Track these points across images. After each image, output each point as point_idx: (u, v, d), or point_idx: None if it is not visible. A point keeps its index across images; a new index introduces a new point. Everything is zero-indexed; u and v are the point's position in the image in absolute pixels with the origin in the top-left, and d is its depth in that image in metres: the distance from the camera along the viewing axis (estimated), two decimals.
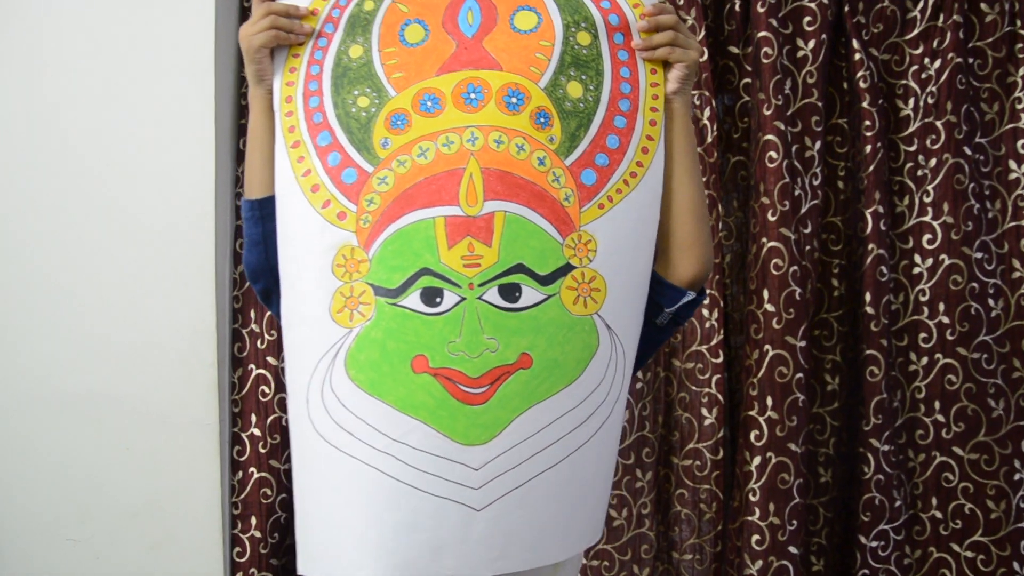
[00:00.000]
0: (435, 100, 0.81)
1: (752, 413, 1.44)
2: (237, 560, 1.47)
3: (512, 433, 0.75)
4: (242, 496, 1.47)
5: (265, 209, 0.85)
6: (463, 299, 0.76)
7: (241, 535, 1.47)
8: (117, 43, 1.42)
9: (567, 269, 0.78)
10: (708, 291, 1.44)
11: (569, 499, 0.80)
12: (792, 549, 1.44)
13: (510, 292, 0.77)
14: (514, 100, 0.81)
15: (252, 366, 1.46)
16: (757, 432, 1.43)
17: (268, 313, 1.45)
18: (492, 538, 0.76)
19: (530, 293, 0.77)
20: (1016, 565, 1.46)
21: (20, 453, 1.42)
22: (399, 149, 0.79)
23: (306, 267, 0.80)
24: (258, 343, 1.46)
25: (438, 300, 0.75)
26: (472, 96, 0.81)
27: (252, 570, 1.46)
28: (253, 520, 1.46)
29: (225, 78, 1.45)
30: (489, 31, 0.84)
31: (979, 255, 1.48)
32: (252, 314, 1.47)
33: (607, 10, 0.86)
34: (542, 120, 0.81)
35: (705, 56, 1.47)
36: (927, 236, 1.49)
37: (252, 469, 1.46)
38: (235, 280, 1.48)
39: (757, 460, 1.43)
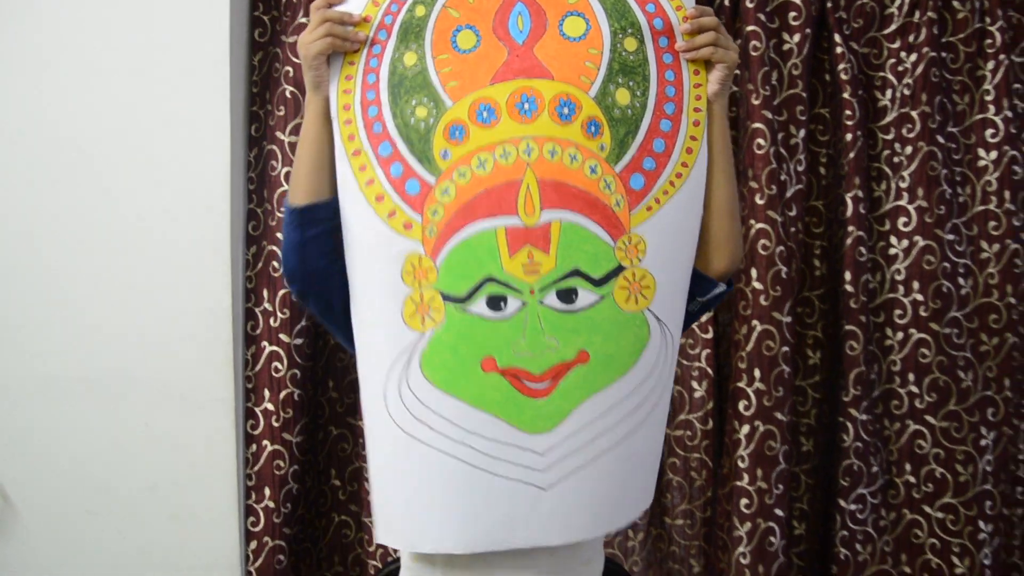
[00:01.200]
0: (491, 111, 0.84)
1: (741, 384, 1.53)
2: (251, 529, 1.53)
3: (573, 421, 0.83)
4: (256, 468, 1.52)
5: (306, 216, 0.88)
6: (525, 303, 0.82)
7: (255, 505, 1.52)
8: (132, 27, 1.46)
9: (619, 270, 0.84)
10: None
11: (624, 475, 0.87)
12: (778, 511, 1.53)
13: (567, 295, 0.83)
14: (566, 111, 0.84)
15: (265, 343, 1.52)
16: (746, 402, 1.52)
17: (281, 292, 1.51)
18: (558, 512, 0.83)
19: (586, 295, 0.83)
20: (981, 523, 1.56)
21: (45, 431, 1.47)
22: (459, 160, 0.83)
23: (375, 273, 0.85)
24: (271, 321, 1.52)
25: (502, 305, 0.82)
26: (526, 107, 0.84)
27: (266, 539, 1.52)
28: (267, 491, 1.52)
29: (239, 64, 1.50)
30: (539, 37, 0.86)
31: (950, 237, 1.58)
32: (265, 293, 1.52)
33: (652, 14, 0.89)
34: (593, 129, 0.84)
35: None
36: (903, 219, 1.58)
37: (265, 442, 1.52)
38: (248, 261, 1.53)
39: (746, 429, 1.52)
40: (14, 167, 1.44)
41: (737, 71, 1.55)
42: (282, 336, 1.51)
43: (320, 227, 0.89)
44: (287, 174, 1.49)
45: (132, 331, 1.47)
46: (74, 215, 1.45)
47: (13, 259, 1.46)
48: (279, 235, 1.50)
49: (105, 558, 1.51)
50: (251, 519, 1.53)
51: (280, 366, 1.51)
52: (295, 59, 1.48)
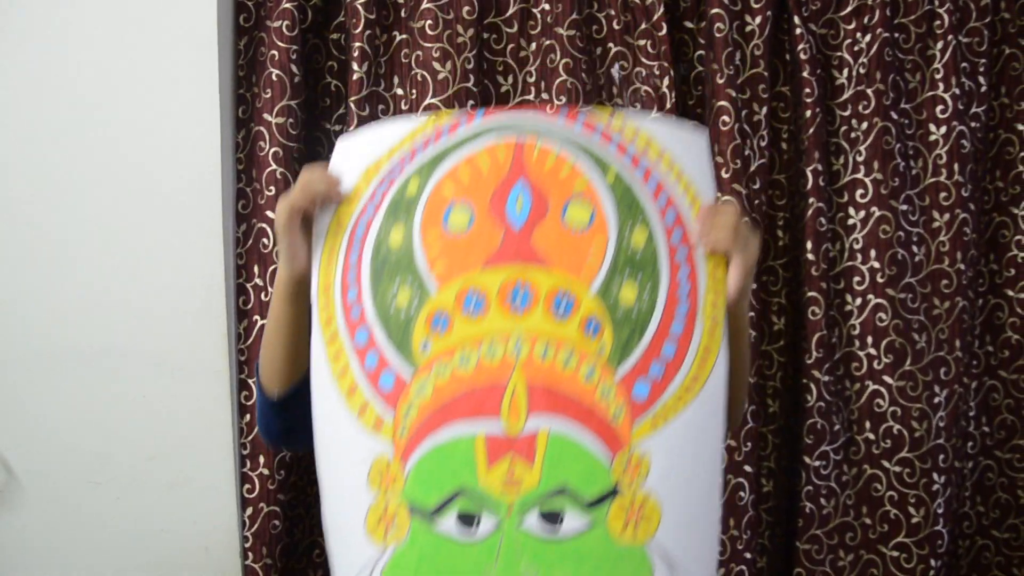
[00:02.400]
0: (479, 300, 0.76)
1: None
2: (247, 496, 1.59)
3: None
4: (250, 437, 1.58)
5: (288, 403, 0.86)
6: (500, 523, 0.72)
7: (250, 473, 1.58)
8: (120, 14, 1.50)
9: (615, 493, 0.73)
10: None
11: None
12: (747, 468, 1.62)
13: (552, 518, 0.72)
14: (563, 306, 0.76)
15: (256, 317, 1.58)
16: None
17: (271, 268, 1.56)
18: None
19: (573, 519, 0.72)
20: (935, 475, 1.66)
21: (45, 404, 1.51)
22: (440, 354, 0.75)
23: (342, 474, 0.78)
24: (262, 296, 1.57)
25: (475, 524, 0.72)
26: (519, 299, 0.76)
27: (261, 504, 1.58)
28: (261, 459, 1.58)
29: (226, 49, 1.54)
30: (539, 222, 0.78)
31: (904, 207, 1.67)
32: (255, 269, 1.58)
33: (664, 207, 0.80)
34: (592, 329, 0.76)
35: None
36: (860, 191, 1.67)
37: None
38: (238, 239, 1.59)
39: None
40: (4, 144, 1.48)
41: (702, 51, 1.63)
42: None
43: (302, 409, 0.83)
44: (274, 153, 1.55)
45: (128, 306, 1.51)
46: (70, 194, 1.49)
47: (8, 236, 1.49)
48: (269, 212, 1.56)
49: (107, 526, 1.56)
50: (247, 486, 1.59)
51: None
52: (280, 43, 1.54)
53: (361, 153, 0.84)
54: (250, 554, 1.58)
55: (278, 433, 0.92)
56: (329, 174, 0.82)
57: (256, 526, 1.58)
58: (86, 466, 1.54)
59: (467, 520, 0.72)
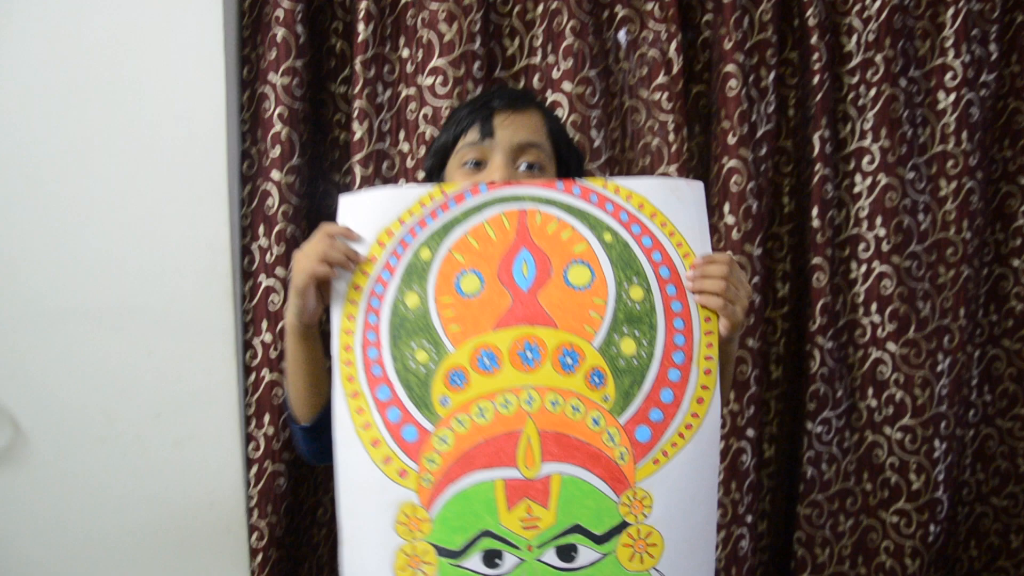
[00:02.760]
0: (492, 358, 0.83)
1: None
2: (252, 455, 1.60)
3: None
4: (255, 397, 1.60)
5: (317, 427, 0.92)
6: (522, 560, 0.80)
7: (255, 432, 1.60)
8: None
9: (623, 527, 0.81)
10: None
11: None
12: (750, 432, 1.63)
13: (567, 552, 0.80)
14: (569, 360, 0.83)
15: (262, 277, 1.58)
16: None
17: (276, 228, 1.57)
18: None
19: (586, 552, 0.80)
20: (936, 442, 1.67)
21: (52, 362, 1.52)
22: (458, 408, 0.82)
23: (367, 521, 0.83)
24: (266, 257, 1.58)
25: (498, 561, 0.80)
26: (529, 355, 0.83)
27: (266, 463, 1.59)
28: (266, 418, 1.59)
29: (232, 3, 1.54)
30: (544, 284, 0.86)
31: (911, 175, 1.67)
32: (260, 230, 1.58)
33: (658, 263, 0.88)
34: (596, 380, 0.83)
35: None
36: (866, 158, 1.66)
37: (264, 372, 1.59)
38: (243, 199, 1.59)
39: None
40: (13, 101, 1.48)
41: (710, 15, 1.62)
42: (278, 270, 1.58)
43: (329, 432, 0.88)
44: (279, 114, 1.55)
45: (134, 266, 1.52)
46: (76, 156, 1.49)
47: (16, 197, 1.50)
48: (273, 174, 1.56)
49: (113, 483, 1.57)
50: (251, 445, 1.60)
51: (276, 299, 1.58)
52: (285, 3, 1.53)
53: (371, 217, 0.90)
54: (255, 512, 1.60)
55: (313, 454, 0.99)
56: (347, 245, 0.87)
57: (261, 484, 1.59)
58: (93, 423, 1.55)
59: (491, 558, 0.80)
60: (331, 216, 1.64)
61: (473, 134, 1.01)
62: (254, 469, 1.60)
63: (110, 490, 1.58)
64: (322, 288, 0.89)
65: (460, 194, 0.90)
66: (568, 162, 1.06)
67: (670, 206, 0.90)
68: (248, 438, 1.60)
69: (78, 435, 1.56)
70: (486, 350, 0.84)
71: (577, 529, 0.81)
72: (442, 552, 0.81)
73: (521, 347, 0.84)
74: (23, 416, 1.55)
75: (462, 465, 0.81)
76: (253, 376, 1.60)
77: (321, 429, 0.92)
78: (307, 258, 0.87)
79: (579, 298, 0.86)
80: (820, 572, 1.74)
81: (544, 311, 0.85)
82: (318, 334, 0.95)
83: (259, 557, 1.60)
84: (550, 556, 0.80)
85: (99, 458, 1.56)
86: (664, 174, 1.61)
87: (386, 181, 1.61)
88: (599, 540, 0.81)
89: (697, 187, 0.91)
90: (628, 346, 0.85)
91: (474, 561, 0.80)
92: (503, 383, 0.83)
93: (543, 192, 0.90)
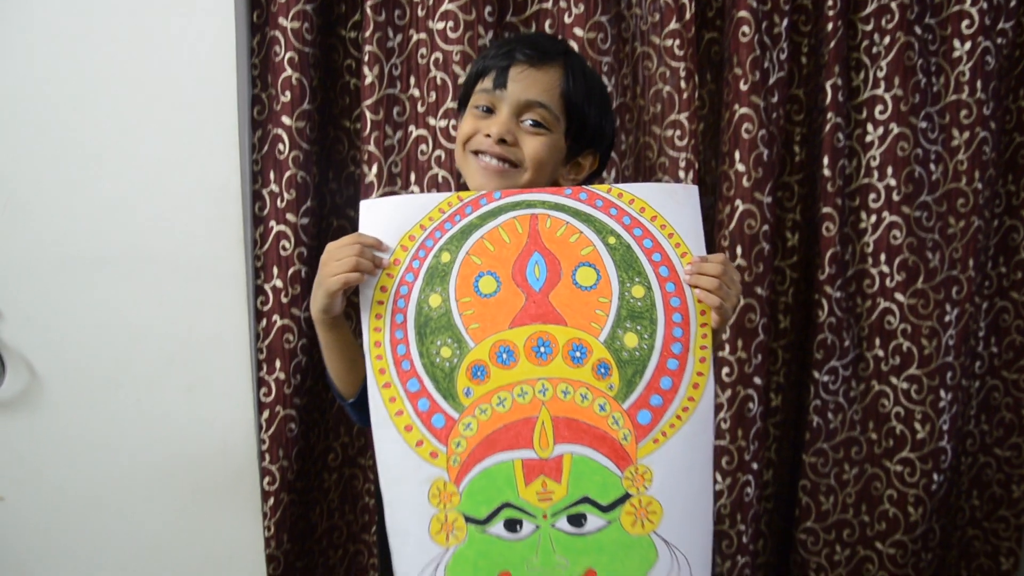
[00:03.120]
0: (510, 353, 0.93)
1: None
2: (264, 400, 1.62)
3: None
4: (266, 342, 1.61)
5: (364, 400, 0.98)
6: (538, 527, 0.91)
7: (267, 377, 1.61)
8: None
9: (626, 498, 0.92)
10: (685, 155, 1.61)
11: None
12: (757, 380, 1.64)
13: (577, 520, 0.91)
14: (578, 354, 0.93)
15: (272, 223, 1.59)
16: None
17: (287, 174, 1.57)
18: None
19: (594, 520, 0.92)
20: (942, 392, 1.68)
21: (66, 307, 1.53)
22: (480, 398, 0.93)
23: (405, 492, 0.94)
24: (278, 202, 1.58)
25: (518, 528, 0.91)
26: (542, 350, 0.93)
27: (277, 408, 1.61)
28: (277, 363, 1.61)
29: None
30: (554, 285, 0.96)
31: (923, 125, 1.66)
32: (271, 175, 1.58)
33: (658, 263, 0.97)
34: (602, 371, 0.93)
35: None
36: (879, 107, 1.65)
37: (275, 317, 1.60)
38: (253, 145, 1.59)
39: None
40: (23, 47, 1.47)
41: None
42: (289, 216, 1.58)
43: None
44: (289, 59, 1.54)
45: (146, 212, 1.52)
46: (89, 105, 1.49)
47: (29, 144, 1.50)
48: (284, 119, 1.55)
49: (127, 427, 1.59)
50: (263, 390, 1.62)
51: (287, 245, 1.59)
52: None
53: (393, 222, 0.99)
54: (266, 456, 1.62)
55: (366, 423, 1.04)
56: (375, 254, 0.96)
57: (272, 429, 1.61)
58: (107, 369, 1.57)
59: (512, 525, 0.92)
60: (339, 162, 1.65)
61: (488, 81, 1.05)
62: (265, 414, 1.61)
63: (124, 435, 1.60)
64: (347, 289, 0.97)
65: (476, 200, 1.00)
66: (581, 125, 1.07)
67: (668, 209, 1.00)
68: (259, 383, 1.62)
69: (92, 380, 1.58)
70: (504, 346, 0.94)
71: (586, 500, 0.91)
72: (470, 520, 0.92)
73: (535, 343, 0.93)
74: (38, 361, 1.57)
75: (485, 448, 0.92)
76: (264, 321, 1.61)
77: (366, 401, 0.99)
78: (340, 264, 0.94)
79: (586, 297, 0.95)
80: (824, 519, 1.77)
81: (555, 310, 0.94)
82: (344, 320, 1.04)
83: (271, 500, 1.63)
84: (562, 523, 0.91)
85: (113, 403, 1.58)
86: (675, 121, 1.60)
87: (396, 126, 1.60)
88: (605, 509, 0.92)
89: (692, 191, 1.01)
90: (631, 340, 0.95)
91: (497, 528, 0.92)
92: (520, 375, 0.93)
93: (552, 198, 1.00)
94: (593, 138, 1.09)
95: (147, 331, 1.57)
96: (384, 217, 0.99)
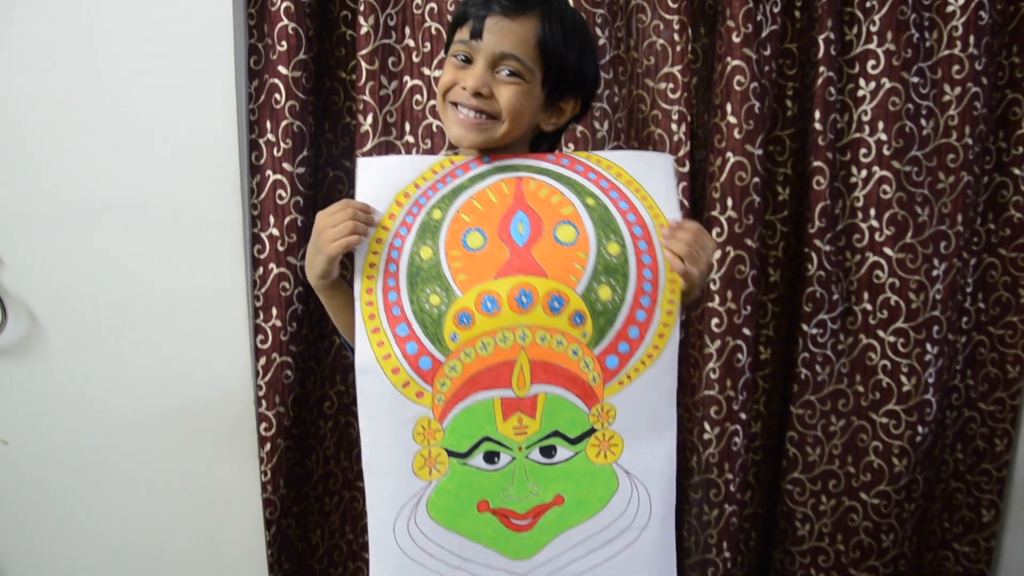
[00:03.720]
0: (494, 302, 0.99)
1: (714, 213, 1.64)
2: (260, 347, 1.64)
3: (548, 551, 1.04)
4: (263, 290, 1.63)
5: None
6: (514, 458, 1.01)
7: (263, 324, 1.64)
8: None
9: (591, 432, 1.02)
10: (678, 108, 1.62)
11: None
12: (746, 331, 1.67)
13: (548, 451, 1.01)
14: (556, 305, 0.99)
15: (269, 172, 1.60)
16: (718, 229, 1.64)
17: (283, 123, 1.58)
18: None
19: (563, 451, 1.01)
20: (928, 346, 1.71)
21: (67, 257, 1.55)
22: (465, 343, 0.99)
23: (389, 430, 1.01)
24: (274, 151, 1.59)
25: (496, 459, 1.01)
26: (524, 300, 0.99)
27: (274, 355, 1.64)
28: (274, 311, 1.63)
29: None
30: (536, 241, 1.01)
31: (915, 80, 1.67)
32: (268, 124, 1.60)
33: (632, 223, 1.04)
34: (578, 320, 1.00)
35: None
36: (871, 62, 1.66)
37: (272, 266, 1.62)
38: (251, 94, 1.60)
39: (717, 255, 1.64)
40: (31, 14, 1.48)
41: None
42: (285, 165, 1.60)
43: None
44: (286, 8, 1.55)
45: (144, 162, 1.55)
46: (87, 58, 1.50)
47: (33, 100, 1.51)
48: (280, 69, 1.57)
49: (127, 374, 1.63)
50: (260, 337, 1.64)
51: (284, 193, 1.60)
52: None
53: (388, 180, 1.05)
54: (263, 402, 1.65)
55: None
56: (368, 214, 1.01)
57: (269, 376, 1.64)
58: (107, 317, 1.60)
59: (490, 457, 1.01)
60: (336, 113, 1.66)
61: (465, 31, 1.05)
62: (262, 361, 1.64)
63: (123, 380, 1.63)
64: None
65: (466, 164, 1.06)
66: (560, 72, 1.07)
67: (643, 175, 1.06)
68: (256, 330, 1.64)
69: (93, 328, 1.61)
70: (489, 295, 0.99)
71: (556, 434, 1.01)
72: (452, 454, 1.01)
73: (518, 293, 0.99)
74: (40, 309, 1.60)
75: (468, 387, 0.99)
76: (261, 269, 1.63)
77: None
78: (337, 230, 0.98)
79: (566, 252, 1.01)
80: (811, 470, 1.80)
81: (537, 263, 1.00)
82: (342, 280, 1.09)
83: (267, 446, 1.66)
84: (535, 454, 1.01)
85: (112, 350, 1.62)
86: (668, 74, 1.62)
87: (392, 76, 1.61)
88: (573, 442, 1.01)
89: (668, 159, 1.08)
90: (605, 292, 1.01)
91: (477, 460, 1.01)
92: (502, 323, 0.99)
93: (537, 163, 1.06)
94: (574, 83, 1.09)
95: (146, 279, 1.59)
96: (380, 175, 1.05)
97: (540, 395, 1.00)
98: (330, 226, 0.99)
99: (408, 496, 1.02)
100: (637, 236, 1.04)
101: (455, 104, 1.06)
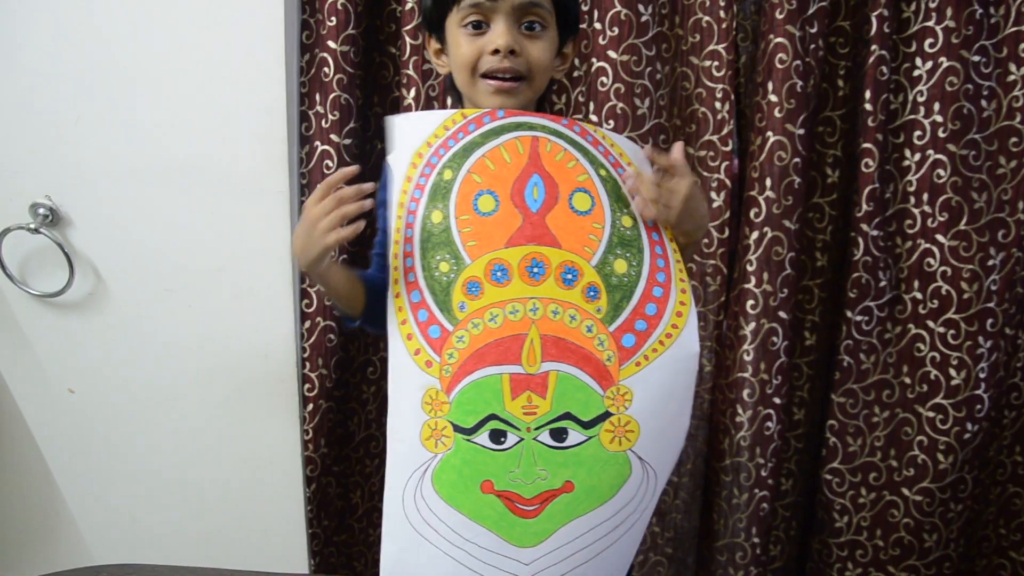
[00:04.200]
0: (504, 271, 0.96)
1: (752, 193, 1.61)
2: (306, 311, 1.71)
3: (555, 539, 0.97)
4: None
5: (367, 321, 1.09)
6: (522, 439, 0.95)
7: (309, 289, 1.71)
8: None
9: (606, 416, 0.96)
10: (722, 86, 1.60)
11: None
12: (782, 314, 1.64)
13: (559, 434, 0.95)
14: (569, 277, 0.96)
15: (318, 143, 1.67)
16: (756, 209, 1.61)
17: (332, 95, 1.64)
18: None
19: (575, 435, 0.96)
20: (981, 339, 1.63)
21: (125, 216, 1.64)
22: (474, 313, 0.96)
23: (403, 397, 0.98)
24: (323, 123, 1.66)
25: (503, 439, 0.95)
26: (535, 271, 0.96)
27: (318, 319, 1.71)
28: None
29: None
30: (551, 208, 0.98)
31: (977, 58, 1.59)
32: (317, 97, 1.66)
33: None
34: (592, 294, 0.96)
35: None
36: (929, 40, 1.59)
37: None
38: (302, 68, 1.67)
39: (755, 235, 1.61)
40: None
41: None
42: (332, 136, 1.66)
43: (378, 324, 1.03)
44: None
45: (199, 128, 1.62)
46: (143, 27, 1.58)
47: (95, 68, 1.60)
48: (330, 43, 1.62)
49: (179, 332, 1.71)
50: (305, 301, 1.71)
51: (331, 163, 1.66)
52: None
53: (408, 138, 1.01)
54: (307, 364, 1.72)
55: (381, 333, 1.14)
56: (360, 199, 0.97)
57: (313, 338, 1.71)
58: (162, 275, 1.69)
59: (497, 436, 0.95)
60: (385, 87, 1.70)
61: None
62: (307, 324, 1.71)
63: (176, 338, 1.72)
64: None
65: (479, 118, 1.01)
66: (567, 13, 1.07)
67: (638, 160, 1.04)
68: (302, 294, 1.71)
69: (149, 286, 1.70)
70: (499, 264, 0.96)
71: (568, 416, 0.95)
72: (457, 429, 0.96)
73: (529, 263, 0.95)
74: (103, 267, 1.70)
75: (475, 360, 0.95)
76: None
77: (370, 322, 1.08)
78: (329, 220, 0.96)
79: (581, 222, 0.98)
80: (850, 461, 1.75)
81: (550, 232, 0.97)
82: (333, 263, 1.06)
83: (310, 406, 1.73)
84: (544, 437, 0.95)
85: (167, 308, 1.70)
86: (713, 52, 1.60)
87: None
88: (586, 425, 0.96)
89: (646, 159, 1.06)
90: (620, 266, 0.98)
91: (483, 438, 0.96)
92: (512, 293, 0.95)
93: (551, 124, 1.02)
94: (574, 24, 1.09)
95: (199, 241, 1.67)
96: (403, 132, 1.03)
97: (551, 373, 0.95)
98: (322, 216, 0.96)
99: (416, 464, 0.98)
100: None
101: (484, 76, 1.04)
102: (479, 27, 1.03)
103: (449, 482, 0.97)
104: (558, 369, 0.95)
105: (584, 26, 1.59)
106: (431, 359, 0.97)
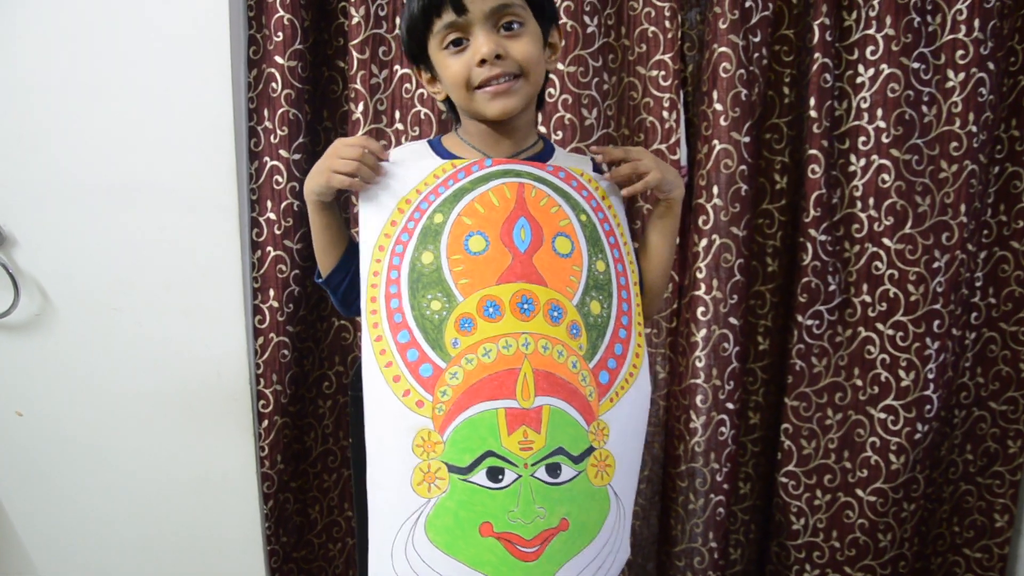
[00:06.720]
0: (496, 307, 0.97)
1: (700, 201, 1.63)
2: (259, 327, 1.70)
3: None
4: (261, 272, 1.69)
5: (331, 282, 1.12)
6: (520, 476, 0.94)
7: (261, 305, 1.69)
8: None
9: (591, 450, 0.98)
10: (668, 95, 1.62)
11: None
12: (732, 320, 1.65)
13: (554, 469, 0.95)
14: (555, 314, 0.98)
15: (267, 158, 1.66)
16: (704, 217, 1.62)
17: (280, 111, 1.63)
18: None
19: (567, 470, 0.96)
20: (928, 340, 1.66)
21: (72, 234, 1.62)
22: (467, 349, 0.96)
23: (389, 443, 0.96)
24: (271, 138, 1.65)
25: (500, 477, 0.94)
26: (526, 306, 0.98)
27: (272, 335, 1.69)
28: (271, 292, 1.69)
29: None
30: (537, 249, 1.01)
31: (916, 65, 1.62)
32: (266, 112, 1.65)
33: (613, 244, 1.08)
34: (575, 331, 0.99)
35: None
36: (870, 48, 1.62)
37: (269, 248, 1.67)
38: (249, 83, 1.66)
39: (704, 242, 1.63)
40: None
41: None
42: (282, 152, 1.65)
43: (344, 281, 1.11)
44: (281, 1, 1.59)
45: (145, 145, 1.60)
46: (89, 44, 1.57)
47: (41, 84, 1.59)
48: (277, 58, 1.62)
49: (128, 350, 1.69)
50: (258, 317, 1.70)
51: (280, 179, 1.65)
52: None
53: (392, 187, 1.05)
54: (261, 380, 1.70)
55: (340, 305, 1.15)
56: (378, 160, 1.03)
57: (266, 355, 1.70)
58: (109, 293, 1.67)
59: (494, 474, 0.94)
60: (334, 101, 1.70)
61: (447, 15, 1.01)
62: (260, 340, 1.70)
63: (126, 357, 1.70)
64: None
65: (468, 167, 1.05)
66: (541, 8, 1.07)
67: (615, 199, 1.12)
68: (254, 311, 1.70)
69: (97, 304, 1.68)
70: (491, 300, 0.97)
71: (560, 451, 0.95)
72: (452, 469, 0.94)
73: (520, 299, 0.97)
74: (50, 286, 1.67)
75: (470, 396, 0.95)
76: (259, 252, 1.68)
77: (334, 285, 1.12)
78: (344, 164, 1.00)
79: (563, 263, 1.01)
80: (805, 463, 1.77)
81: (537, 271, 1.00)
82: (334, 203, 1.09)
83: (265, 422, 1.72)
84: (541, 473, 0.94)
85: (114, 327, 1.68)
86: (659, 62, 1.61)
87: (382, 65, 1.65)
88: (576, 460, 0.97)
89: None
90: (595, 307, 1.02)
91: (480, 477, 0.94)
92: (505, 329, 0.96)
93: (537, 171, 1.06)
94: (552, 14, 1.10)
95: (147, 259, 1.66)
96: (386, 179, 1.05)
97: (544, 407, 0.95)
98: (340, 156, 1.01)
99: (407, 514, 0.95)
100: (616, 258, 1.08)
101: (478, 88, 1.04)
102: (459, 43, 1.03)
103: (445, 528, 0.95)
104: (550, 403, 0.96)
105: None
106: (422, 398, 0.96)
